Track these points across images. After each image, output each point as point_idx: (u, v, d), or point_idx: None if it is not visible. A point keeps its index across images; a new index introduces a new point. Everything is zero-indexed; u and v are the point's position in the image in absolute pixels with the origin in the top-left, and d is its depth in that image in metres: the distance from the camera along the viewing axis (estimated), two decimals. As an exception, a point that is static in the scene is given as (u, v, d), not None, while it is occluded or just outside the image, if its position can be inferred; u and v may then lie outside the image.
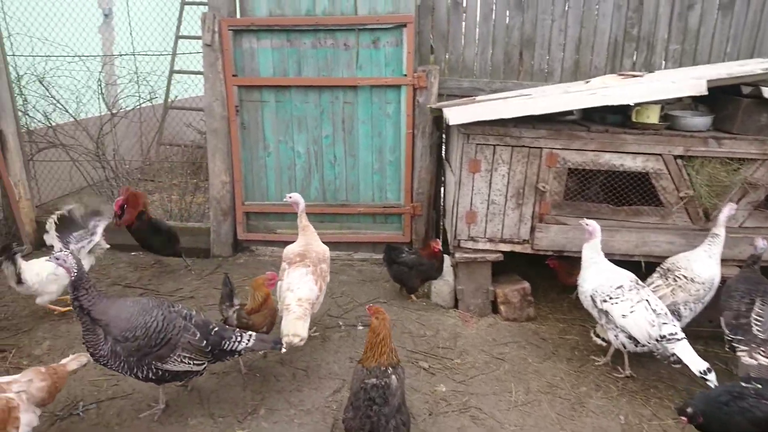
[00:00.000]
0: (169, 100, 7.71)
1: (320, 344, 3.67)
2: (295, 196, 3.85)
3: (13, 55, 5.50)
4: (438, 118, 4.70)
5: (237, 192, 5.07)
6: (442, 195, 5.19)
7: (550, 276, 4.41)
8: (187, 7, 7.70)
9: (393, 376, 2.55)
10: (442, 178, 5.12)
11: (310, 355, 3.53)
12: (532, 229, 3.89)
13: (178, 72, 7.85)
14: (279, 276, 3.72)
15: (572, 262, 4.10)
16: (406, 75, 4.60)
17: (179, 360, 2.69)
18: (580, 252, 3.52)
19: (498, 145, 3.72)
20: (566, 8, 4.64)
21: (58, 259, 2.46)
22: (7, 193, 5.07)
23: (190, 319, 2.80)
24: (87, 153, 5.75)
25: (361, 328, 3.90)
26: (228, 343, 2.82)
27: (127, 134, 6.62)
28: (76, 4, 6.61)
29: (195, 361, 2.75)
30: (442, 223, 5.23)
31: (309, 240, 3.75)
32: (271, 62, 4.75)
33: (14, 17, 5.65)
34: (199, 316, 2.88)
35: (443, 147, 4.99)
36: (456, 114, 3.51)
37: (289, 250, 3.74)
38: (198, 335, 2.75)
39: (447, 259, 4.42)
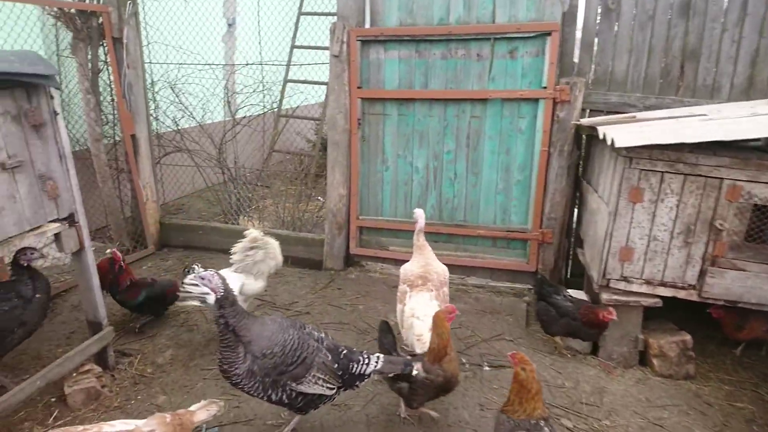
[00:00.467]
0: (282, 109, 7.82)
1: (444, 384, 3.33)
2: (419, 212, 3.64)
3: (150, 63, 5.75)
4: (578, 136, 4.21)
5: (352, 206, 4.90)
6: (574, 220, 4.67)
7: (707, 325, 3.75)
8: (301, 18, 7.79)
9: (546, 429, 2.24)
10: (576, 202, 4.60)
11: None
12: (702, 273, 3.29)
13: (292, 81, 7.94)
14: (399, 299, 3.46)
15: (743, 314, 3.45)
16: (545, 87, 4.16)
17: (313, 381, 2.53)
18: (759, 304, 2.89)
19: (667, 172, 3.17)
20: (743, 15, 3.96)
21: (203, 278, 2.36)
22: (136, 195, 5.28)
23: (322, 342, 2.66)
24: (209, 158, 5.85)
25: (488, 369, 3.51)
26: (356, 366, 2.62)
27: (245, 140, 6.74)
28: (204, 14, 6.88)
29: (328, 384, 2.57)
30: (570, 252, 4.70)
31: (428, 260, 3.49)
32: (397, 74, 4.52)
33: (153, 26, 5.91)
34: (329, 338, 2.72)
35: (580, 167, 4.47)
36: (623, 135, 3.02)
37: (409, 271, 3.47)
38: (330, 357, 2.60)
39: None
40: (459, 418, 3.02)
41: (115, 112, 5.21)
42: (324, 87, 7.61)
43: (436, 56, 4.38)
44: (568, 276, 4.79)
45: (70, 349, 3.52)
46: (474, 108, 4.43)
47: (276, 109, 7.40)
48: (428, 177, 4.72)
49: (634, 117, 3.53)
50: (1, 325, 2.79)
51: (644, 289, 3.45)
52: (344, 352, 2.66)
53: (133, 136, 5.11)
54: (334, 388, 2.60)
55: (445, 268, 3.52)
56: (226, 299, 2.44)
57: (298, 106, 7.87)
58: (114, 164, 5.34)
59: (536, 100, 4.24)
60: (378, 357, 2.68)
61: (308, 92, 7.86)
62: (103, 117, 5.11)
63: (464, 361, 3.59)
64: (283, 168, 7.72)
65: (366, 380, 2.68)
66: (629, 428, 3.02)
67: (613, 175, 3.41)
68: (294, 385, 2.52)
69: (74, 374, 3.01)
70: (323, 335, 2.71)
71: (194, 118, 5.94)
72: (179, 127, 5.89)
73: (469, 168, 4.59)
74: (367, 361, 2.64)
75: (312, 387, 2.54)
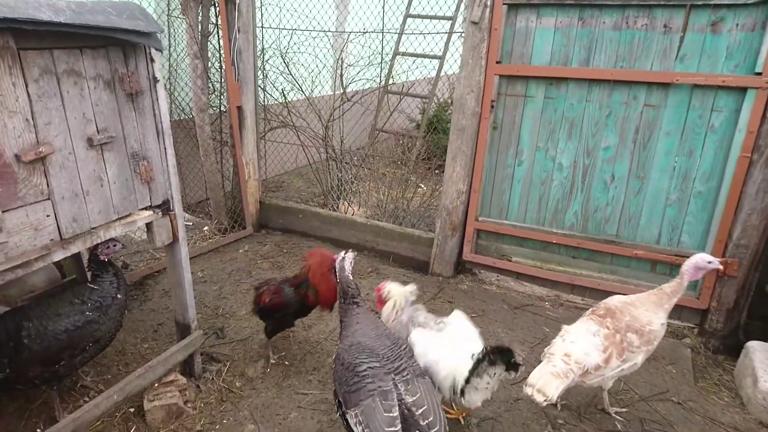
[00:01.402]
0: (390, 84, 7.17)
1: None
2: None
3: (261, 27, 5.30)
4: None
5: (472, 204, 4.15)
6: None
7: None
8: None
9: None
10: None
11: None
12: None
13: (403, 54, 7.23)
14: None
15: None
16: (760, 74, 3.09)
17: (355, 420, 1.96)
18: None
19: None
20: None
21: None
22: (238, 171, 4.92)
23: (404, 383, 2.01)
24: (315, 137, 5.35)
25: (648, 443, 2.66)
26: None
27: (352, 117, 6.18)
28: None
29: None
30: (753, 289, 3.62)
31: (642, 304, 2.62)
32: (550, 46, 3.64)
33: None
34: (420, 386, 2.02)
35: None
36: None
37: (605, 300, 2.77)
38: (386, 406, 1.93)
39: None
40: None
41: (223, 80, 4.84)
42: (435, 62, 6.85)
43: (606, 26, 3.44)
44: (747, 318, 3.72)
45: (156, 345, 3.19)
46: (650, 94, 3.45)
47: (383, 85, 6.74)
48: (574, 177, 3.83)
49: None
50: (71, 341, 2.34)
51: None
52: (417, 416, 1.90)
53: (240, 108, 4.71)
54: None
55: (658, 326, 2.54)
56: (346, 292, 2.34)
57: (404, 83, 7.17)
58: (218, 136, 5.01)
59: (743, 90, 3.18)
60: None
61: (415, 67, 7.12)
62: (209, 86, 4.75)
63: (619, 428, 2.76)
64: (388, 149, 7.10)
65: None
66: None
67: None
68: (344, 409, 2.06)
69: (156, 384, 2.61)
70: (416, 377, 2.04)
71: (302, 92, 5.43)
72: (287, 100, 5.42)
73: (632, 170, 3.64)
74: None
75: (354, 425, 1.97)
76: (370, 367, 2.02)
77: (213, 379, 2.94)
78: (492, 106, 3.88)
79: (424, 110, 7.20)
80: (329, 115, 5.33)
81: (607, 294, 3.89)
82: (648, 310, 2.55)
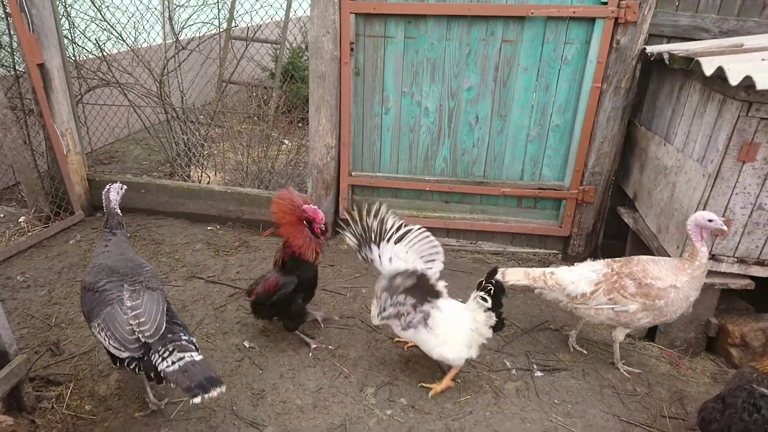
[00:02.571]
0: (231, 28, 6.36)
1: (494, 404, 2.56)
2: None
3: (55, -38, 4.22)
4: (646, 68, 3.31)
5: (343, 159, 3.87)
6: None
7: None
8: None
9: None
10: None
11: (489, 423, 2.43)
12: (820, 252, 2.59)
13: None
14: None
15: None
16: (606, 3, 3.18)
17: (98, 329, 2.09)
18: None
19: (800, 122, 2.35)
20: None
21: None
22: (52, 145, 4.00)
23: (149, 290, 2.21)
24: (148, 94, 4.54)
25: (540, 374, 2.76)
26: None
27: (192, 69, 5.37)
28: None
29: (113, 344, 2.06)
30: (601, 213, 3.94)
31: (664, 264, 2.58)
32: (405, -20, 3.38)
33: None
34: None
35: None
36: (762, 76, 2.11)
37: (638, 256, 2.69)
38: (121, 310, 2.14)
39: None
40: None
41: (12, 32, 3.81)
42: (283, 2, 6.22)
43: (460, -44, 3.26)
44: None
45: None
46: (507, 29, 3.40)
47: (224, 30, 5.93)
48: (441, 121, 3.72)
49: (742, 46, 2.64)
50: None
51: (735, 269, 2.74)
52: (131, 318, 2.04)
53: (42, 66, 3.76)
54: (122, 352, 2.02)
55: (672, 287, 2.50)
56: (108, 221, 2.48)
57: (248, 25, 6.38)
58: (18, 104, 3.99)
59: (592, 21, 3.26)
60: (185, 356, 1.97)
61: (259, 6, 6.38)
62: (-7, 39, 3.70)
63: (509, 365, 2.82)
64: (240, 104, 6.41)
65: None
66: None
67: (714, 125, 2.56)
68: (89, 324, 2.18)
69: (-33, 437, 2.00)
70: (145, 289, 2.17)
71: (124, 41, 4.53)
72: (105, 53, 4.49)
73: (495, 110, 3.62)
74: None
75: (98, 333, 2.09)
76: (108, 282, 2.17)
77: (53, 407, 2.36)
78: (351, 49, 3.55)
79: (276, 57, 6.57)
80: (162, 68, 4.53)
81: (480, 234, 4.00)
82: (665, 269, 2.52)
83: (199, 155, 4.97)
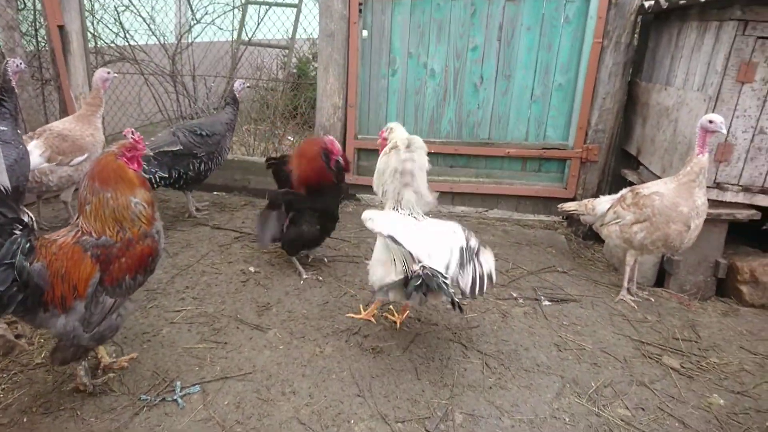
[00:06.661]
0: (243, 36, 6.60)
1: (501, 321, 2.52)
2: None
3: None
4: (645, 28, 3.43)
5: (350, 121, 3.94)
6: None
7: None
8: None
9: None
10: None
11: (496, 335, 2.38)
12: (825, 175, 2.61)
13: (254, 3, 6.70)
14: None
15: None
16: (604, -40, 3.34)
17: None
18: None
19: (798, 37, 2.43)
20: None
21: None
22: (66, 109, 4.09)
23: None
24: (162, 72, 4.68)
25: (548, 303, 2.72)
26: None
27: (202, 65, 5.54)
28: None
29: None
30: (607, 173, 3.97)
31: (671, 181, 2.60)
32: (413, -58, 3.56)
33: None
34: None
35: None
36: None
37: None
38: None
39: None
40: (535, 361, 2.22)
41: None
42: (289, 25, 6.42)
43: None
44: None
45: None
46: (510, -11, 3.55)
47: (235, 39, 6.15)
48: (446, 83, 3.82)
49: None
50: None
51: (740, 197, 2.75)
52: None
53: (62, 28, 3.90)
54: None
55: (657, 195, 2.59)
56: None
57: (251, 37, 6.57)
58: (36, 65, 4.12)
59: (591, -23, 3.41)
60: None
61: (267, 17, 6.60)
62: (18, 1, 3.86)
63: (515, 295, 2.79)
64: (249, 102, 6.56)
65: None
66: (744, 365, 2.33)
67: (712, 51, 2.64)
68: None
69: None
70: None
71: (141, 16, 4.71)
72: (125, 30, 4.66)
73: (499, 70, 3.72)
74: None
75: None
76: None
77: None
78: (360, 10, 3.70)
79: (285, 64, 6.82)
80: (174, 50, 4.69)
81: (485, 197, 4.02)
82: (658, 182, 2.69)
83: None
